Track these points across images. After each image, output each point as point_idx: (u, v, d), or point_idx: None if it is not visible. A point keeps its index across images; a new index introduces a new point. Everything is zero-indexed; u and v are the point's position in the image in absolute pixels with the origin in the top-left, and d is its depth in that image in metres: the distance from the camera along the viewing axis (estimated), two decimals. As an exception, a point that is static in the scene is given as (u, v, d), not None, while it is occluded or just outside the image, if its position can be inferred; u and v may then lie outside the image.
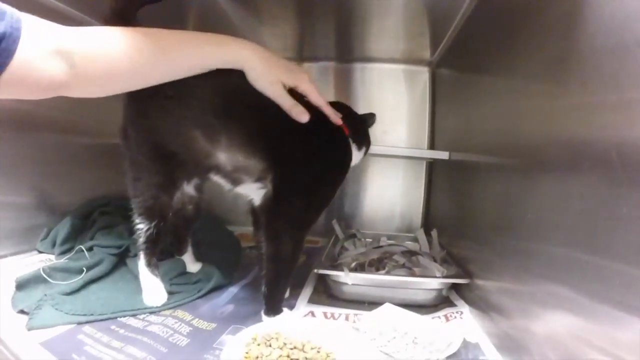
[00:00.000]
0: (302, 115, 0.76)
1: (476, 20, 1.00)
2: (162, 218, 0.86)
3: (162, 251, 1.03)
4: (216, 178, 0.85)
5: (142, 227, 0.85)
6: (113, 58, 0.64)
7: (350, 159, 0.91)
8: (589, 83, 0.49)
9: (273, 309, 0.79)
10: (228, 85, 0.78)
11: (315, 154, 0.83)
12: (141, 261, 0.86)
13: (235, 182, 0.83)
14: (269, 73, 0.75)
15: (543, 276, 0.58)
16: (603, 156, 0.44)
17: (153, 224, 0.85)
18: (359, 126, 0.97)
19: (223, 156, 0.79)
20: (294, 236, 0.81)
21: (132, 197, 0.86)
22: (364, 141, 0.97)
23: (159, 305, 0.83)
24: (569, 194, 0.52)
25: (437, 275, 0.94)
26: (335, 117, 0.85)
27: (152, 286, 0.86)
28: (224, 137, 0.77)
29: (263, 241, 0.81)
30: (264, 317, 0.79)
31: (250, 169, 0.80)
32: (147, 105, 0.80)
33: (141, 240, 0.85)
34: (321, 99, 0.83)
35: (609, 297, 0.42)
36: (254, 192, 0.86)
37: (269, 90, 0.75)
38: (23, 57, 0.53)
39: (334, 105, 0.89)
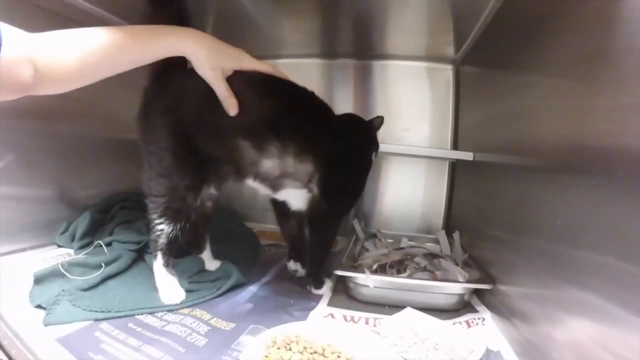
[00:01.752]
0: (232, 109, 0.79)
1: (504, 17, 0.97)
2: (186, 220, 0.86)
3: (181, 248, 1.02)
4: (254, 184, 0.88)
5: (163, 228, 0.84)
6: (68, 60, 0.65)
7: (371, 160, 1.01)
8: (626, 83, 0.47)
9: (319, 283, 0.96)
10: (279, 97, 0.85)
11: (350, 155, 0.94)
12: (158, 261, 0.85)
13: (277, 187, 0.89)
14: (211, 59, 0.78)
15: (570, 281, 0.57)
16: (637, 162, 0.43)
17: (178, 225, 0.85)
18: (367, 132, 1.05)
19: (270, 163, 0.84)
20: (334, 226, 0.97)
21: (154, 195, 0.85)
22: (374, 146, 1.06)
23: (177, 303, 0.82)
24: (602, 199, 0.51)
25: (460, 279, 0.92)
26: (282, 74, 0.88)
27: (169, 285, 0.85)
28: (275, 146, 0.82)
29: (306, 231, 0.96)
30: (313, 290, 0.96)
31: (299, 175, 0.87)
32: (188, 112, 0.82)
33: (161, 241, 0.84)
34: (266, 66, 0.85)
35: (638, 306, 0.41)
36: (292, 195, 0.93)
37: (208, 76, 0.78)
38: (5, 60, 0.55)
39: (344, 117, 1.01)
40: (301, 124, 0.85)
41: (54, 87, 0.67)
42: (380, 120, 1.08)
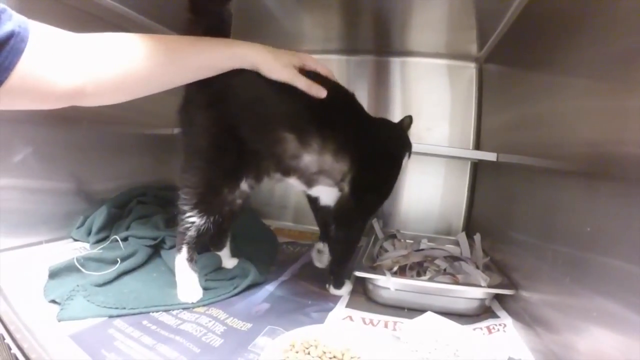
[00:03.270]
0: (320, 92, 0.81)
1: (531, 14, 0.94)
2: (220, 213, 0.86)
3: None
4: (292, 179, 0.90)
5: (195, 221, 0.83)
6: (124, 65, 0.63)
7: (401, 163, 1.00)
8: None
9: (340, 283, 0.95)
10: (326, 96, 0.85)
11: (382, 158, 0.95)
12: (182, 255, 0.84)
13: (311, 183, 0.90)
14: (279, 61, 0.79)
15: (598, 291, 0.55)
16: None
17: (211, 219, 0.84)
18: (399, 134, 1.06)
19: (309, 158, 0.85)
20: (360, 225, 0.97)
21: (188, 187, 0.84)
22: (407, 146, 1.05)
23: (195, 301, 0.81)
24: (636, 207, 0.49)
25: (482, 284, 0.89)
26: (330, 74, 0.89)
27: (189, 282, 0.84)
28: (316, 141, 0.83)
29: (331, 227, 0.96)
30: (332, 290, 0.95)
31: (334, 173, 0.88)
32: (233, 103, 0.82)
33: (189, 234, 0.83)
34: (322, 66, 0.88)
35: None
36: (324, 192, 0.94)
37: (285, 76, 0.79)
38: (33, 60, 0.52)
39: (378, 120, 1.02)
40: (342, 123, 0.87)
41: (104, 96, 0.65)
42: (409, 120, 1.09)
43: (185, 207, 0.84)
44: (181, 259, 0.84)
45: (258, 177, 0.91)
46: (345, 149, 0.86)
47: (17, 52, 0.50)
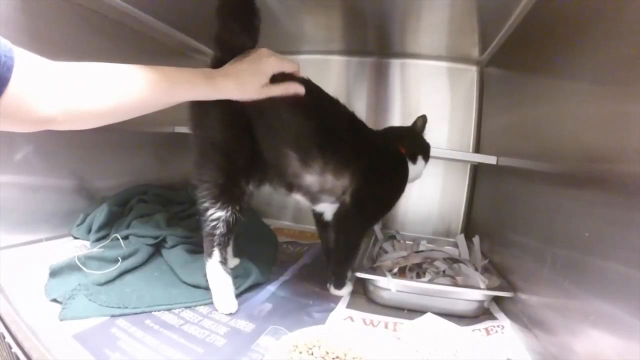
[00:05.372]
0: (298, 89, 0.83)
1: (534, 19, 0.95)
2: (241, 204, 0.85)
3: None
4: (297, 195, 0.91)
5: (220, 215, 0.82)
6: (97, 95, 0.63)
7: (407, 174, 1.00)
8: None
9: (341, 284, 0.96)
10: (327, 117, 0.89)
11: (383, 173, 0.95)
12: (214, 259, 0.82)
13: (315, 201, 0.92)
14: (246, 94, 0.80)
15: (596, 294, 0.56)
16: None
17: (236, 208, 0.84)
18: (413, 139, 1.09)
19: (311, 179, 0.86)
20: (362, 231, 0.97)
21: (206, 182, 0.83)
22: (420, 150, 1.07)
23: (233, 311, 0.80)
24: (636, 212, 0.49)
25: (481, 286, 0.90)
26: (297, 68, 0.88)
27: (226, 289, 0.82)
28: (318, 163, 0.85)
29: (332, 231, 0.97)
30: (333, 290, 0.96)
31: (336, 190, 0.89)
32: (249, 104, 0.81)
33: (218, 232, 0.82)
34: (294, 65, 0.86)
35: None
36: (329, 208, 0.95)
37: (257, 97, 0.80)
38: (16, 88, 0.52)
39: (383, 131, 1.07)
40: (342, 144, 0.88)
41: (76, 123, 0.65)
42: (422, 121, 1.12)
43: (207, 204, 0.83)
44: (214, 264, 0.82)
45: (261, 181, 0.91)
46: (345, 168, 0.88)
47: (3, 82, 0.50)
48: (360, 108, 1.52)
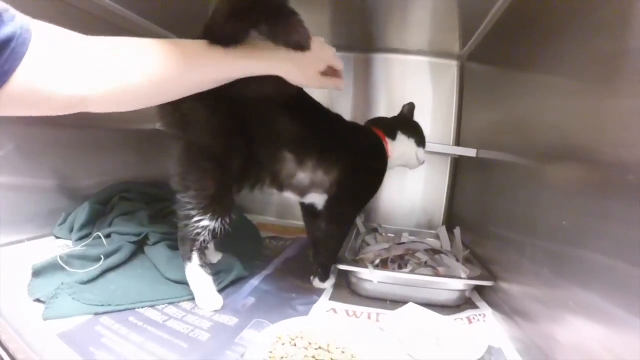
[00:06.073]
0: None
1: (513, 15, 0.96)
2: (230, 214, 0.83)
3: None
4: (287, 193, 0.92)
5: (207, 224, 0.78)
6: (135, 73, 0.60)
7: (383, 151, 1.03)
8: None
9: (326, 276, 0.97)
10: (316, 115, 0.93)
11: (362, 155, 0.98)
12: (193, 263, 0.80)
13: (304, 193, 0.92)
14: (305, 75, 0.79)
15: (576, 282, 0.57)
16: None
17: (226, 219, 0.81)
18: (391, 120, 1.12)
19: (303, 175, 0.88)
20: (352, 216, 1.04)
21: (195, 189, 0.78)
22: (400, 127, 1.08)
23: (218, 308, 0.79)
24: (612, 203, 0.50)
25: (462, 275, 0.92)
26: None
27: (206, 289, 0.81)
28: (312, 161, 0.87)
29: (322, 221, 0.97)
30: (316, 283, 0.97)
31: (325, 184, 0.91)
32: (242, 103, 0.80)
33: (200, 239, 0.79)
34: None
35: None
36: (317, 199, 0.96)
37: (311, 84, 0.82)
38: (33, 65, 0.50)
39: (369, 122, 1.09)
40: (327, 140, 0.91)
41: (110, 103, 0.61)
42: (408, 107, 1.16)
43: (193, 212, 0.78)
44: (193, 267, 0.80)
45: (253, 187, 0.89)
46: (335, 163, 0.90)
47: (17, 57, 0.48)
48: (345, 103, 1.53)
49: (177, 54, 0.64)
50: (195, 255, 0.80)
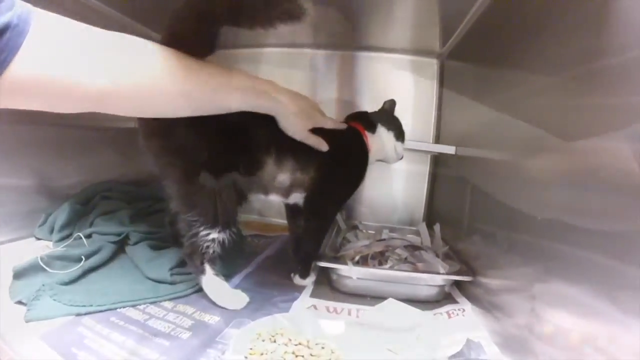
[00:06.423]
0: (323, 147, 0.90)
1: (493, 13, 0.97)
2: (235, 223, 0.86)
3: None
4: (272, 196, 0.94)
5: (215, 236, 0.81)
6: (156, 75, 0.59)
7: (362, 143, 1.03)
8: (616, 84, 0.47)
9: (306, 273, 0.97)
10: None
11: (340, 150, 0.95)
12: (208, 274, 0.82)
13: (287, 194, 0.94)
14: (298, 124, 0.84)
15: (554, 276, 0.57)
16: (624, 163, 0.43)
17: (232, 230, 0.84)
18: (371, 115, 1.11)
19: (283, 176, 0.89)
20: (331, 214, 1.03)
21: (202, 215, 0.81)
22: (380, 120, 1.08)
23: (243, 306, 0.82)
24: (588, 198, 0.51)
25: (441, 271, 0.93)
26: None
27: (227, 292, 0.84)
28: (290, 162, 0.89)
29: (304, 218, 0.99)
30: (297, 280, 0.97)
31: (304, 182, 0.93)
32: (227, 130, 0.81)
33: (211, 251, 0.82)
34: (334, 122, 0.96)
35: (622, 302, 0.42)
36: (300, 199, 0.97)
37: (298, 137, 0.86)
38: (31, 56, 0.47)
39: (349, 116, 1.10)
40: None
41: (128, 104, 0.60)
42: (389, 103, 1.17)
43: (201, 228, 0.81)
44: (208, 278, 0.82)
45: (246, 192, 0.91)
46: (311, 160, 0.91)
47: (13, 48, 0.45)
48: (328, 101, 1.53)
49: (212, 74, 0.67)
50: (208, 267, 0.82)
